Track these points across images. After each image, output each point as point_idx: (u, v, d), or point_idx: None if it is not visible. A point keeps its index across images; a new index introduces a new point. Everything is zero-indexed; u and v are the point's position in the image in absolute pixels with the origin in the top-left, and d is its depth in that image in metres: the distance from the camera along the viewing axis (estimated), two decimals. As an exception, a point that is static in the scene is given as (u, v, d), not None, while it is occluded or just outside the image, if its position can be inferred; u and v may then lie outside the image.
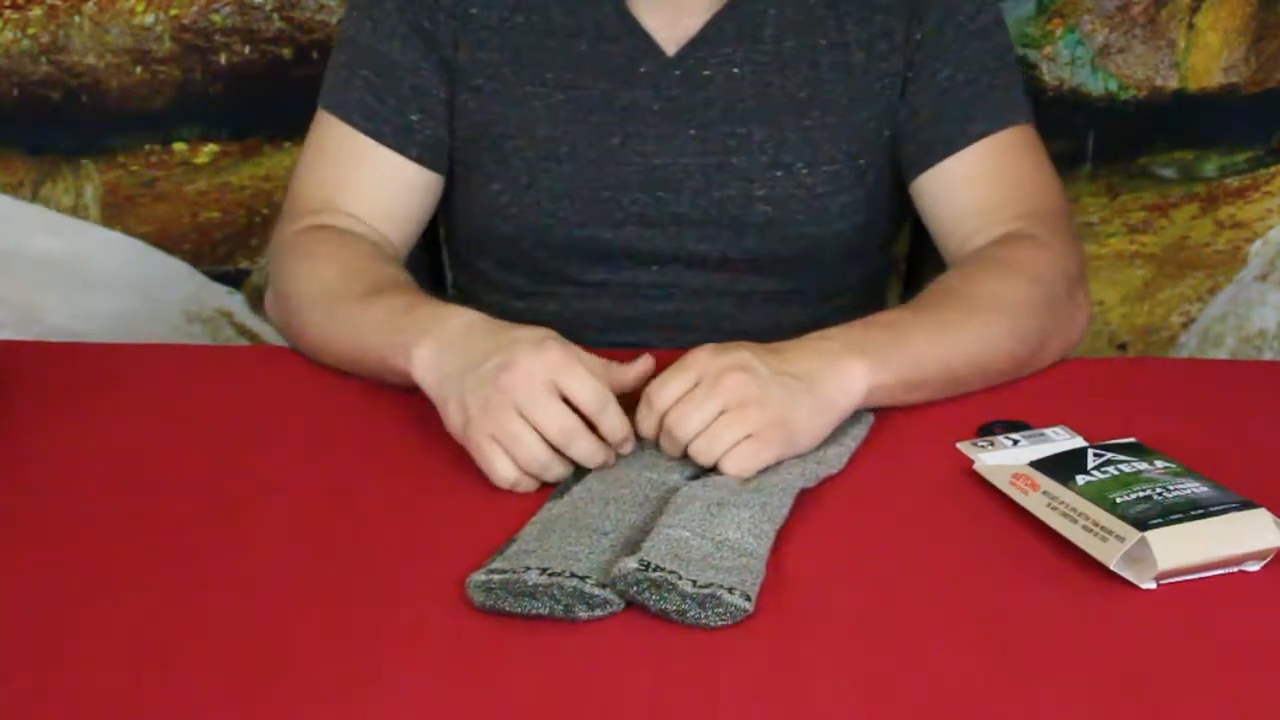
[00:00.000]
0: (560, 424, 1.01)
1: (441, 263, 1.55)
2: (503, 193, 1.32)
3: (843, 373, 1.07)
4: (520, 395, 1.01)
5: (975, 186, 1.30)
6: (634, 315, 1.36)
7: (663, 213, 1.31)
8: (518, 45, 1.31)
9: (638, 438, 1.06)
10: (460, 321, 1.10)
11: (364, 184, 1.32)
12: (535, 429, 1.01)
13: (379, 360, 1.14)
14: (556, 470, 1.03)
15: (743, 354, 1.04)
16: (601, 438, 1.04)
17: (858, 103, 1.31)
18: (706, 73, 1.31)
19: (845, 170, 1.31)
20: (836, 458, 1.06)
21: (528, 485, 1.03)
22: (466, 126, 1.33)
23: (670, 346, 1.22)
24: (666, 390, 1.03)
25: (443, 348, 1.08)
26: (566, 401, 1.02)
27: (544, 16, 1.31)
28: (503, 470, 1.02)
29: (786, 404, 1.03)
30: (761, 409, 1.01)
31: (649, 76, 1.31)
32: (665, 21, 1.31)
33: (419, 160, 1.32)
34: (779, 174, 1.30)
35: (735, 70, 1.31)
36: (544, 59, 1.31)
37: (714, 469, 1.03)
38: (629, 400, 1.06)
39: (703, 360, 1.04)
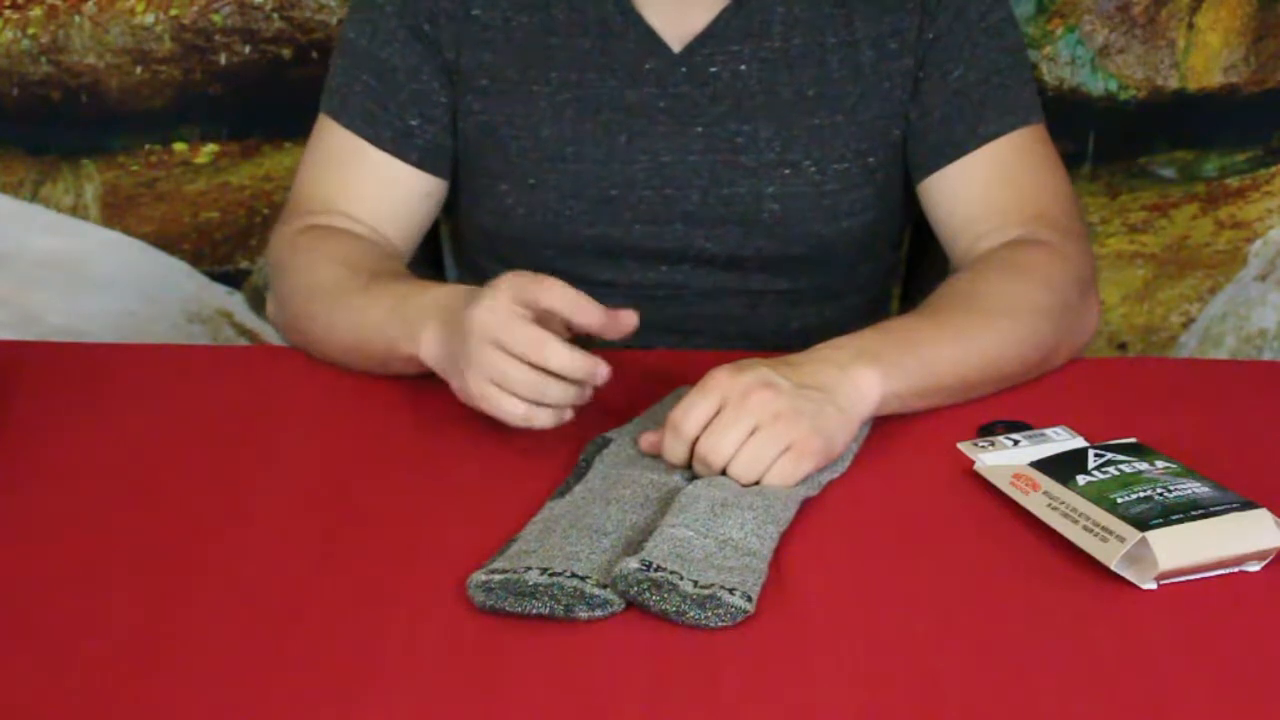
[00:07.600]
0: (528, 336, 1.01)
1: (442, 263, 1.55)
2: (509, 194, 1.32)
3: (857, 382, 1.06)
4: (491, 328, 1.02)
5: (985, 189, 1.29)
6: (643, 317, 1.35)
7: (671, 210, 1.31)
8: (521, 45, 1.31)
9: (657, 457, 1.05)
10: (459, 302, 1.10)
11: (365, 189, 1.31)
12: (516, 356, 1.02)
13: (387, 349, 1.14)
14: (554, 391, 1.02)
15: (760, 370, 1.03)
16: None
17: (867, 101, 1.30)
18: (713, 69, 1.30)
19: (854, 168, 1.31)
20: (840, 461, 1.06)
21: (543, 419, 1.03)
22: (471, 128, 1.32)
23: (680, 348, 1.21)
24: (693, 416, 1.02)
25: (445, 327, 1.08)
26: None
27: (547, 15, 1.30)
28: (511, 408, 1.03)
29: (816, 414, 1.02)
30: (794, 420, 1.01)
31: (655, 73, 1.30)
32: (671, 18, 1.30)
33: (420, 166, 1.32)
34: (787, 172, 1.29)
35: (742, 67, 1.30)
36: (548, 58, 1.30)
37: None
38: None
39: (723, 381, 1.03)
